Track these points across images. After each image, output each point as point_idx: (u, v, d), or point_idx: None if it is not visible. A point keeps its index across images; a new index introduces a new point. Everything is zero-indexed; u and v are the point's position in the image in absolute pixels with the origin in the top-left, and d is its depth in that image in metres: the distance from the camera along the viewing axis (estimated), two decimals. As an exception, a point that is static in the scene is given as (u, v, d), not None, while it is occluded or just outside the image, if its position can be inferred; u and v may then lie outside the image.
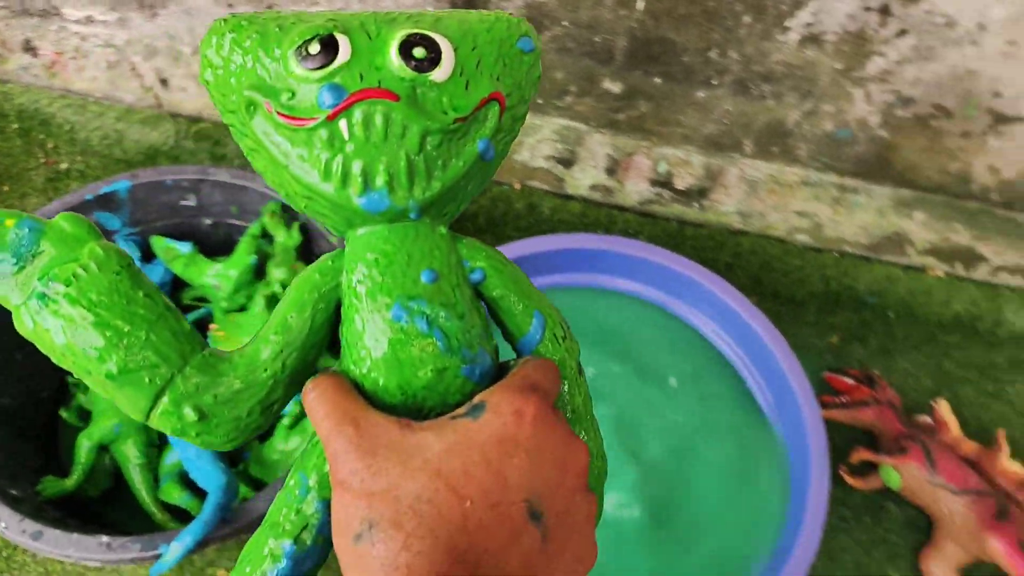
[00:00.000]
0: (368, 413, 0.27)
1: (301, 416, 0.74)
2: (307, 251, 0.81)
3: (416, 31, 0.27)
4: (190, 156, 0.94)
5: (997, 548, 0.74)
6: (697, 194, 0.89)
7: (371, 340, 0.28)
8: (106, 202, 0.78)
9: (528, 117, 0.86)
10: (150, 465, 0.73)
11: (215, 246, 0.83)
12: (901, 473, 0.81)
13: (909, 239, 0.90)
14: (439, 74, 0.27)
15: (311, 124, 0.27)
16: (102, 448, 0.73)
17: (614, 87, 0.82)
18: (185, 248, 0.79)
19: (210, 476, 0.67)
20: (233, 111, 0.28)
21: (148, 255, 0.82)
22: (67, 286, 0.26)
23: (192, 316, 0.81)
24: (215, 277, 0.79)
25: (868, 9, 0.71)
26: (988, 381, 0.92)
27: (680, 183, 0.88)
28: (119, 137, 0.95)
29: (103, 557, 0.62)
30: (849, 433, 0.86)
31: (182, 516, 0.72)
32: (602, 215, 0.94)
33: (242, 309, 0.79)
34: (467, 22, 0.29)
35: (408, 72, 0.27)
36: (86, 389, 0.76)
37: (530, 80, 0.30)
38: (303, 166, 0.27)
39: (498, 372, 0.31)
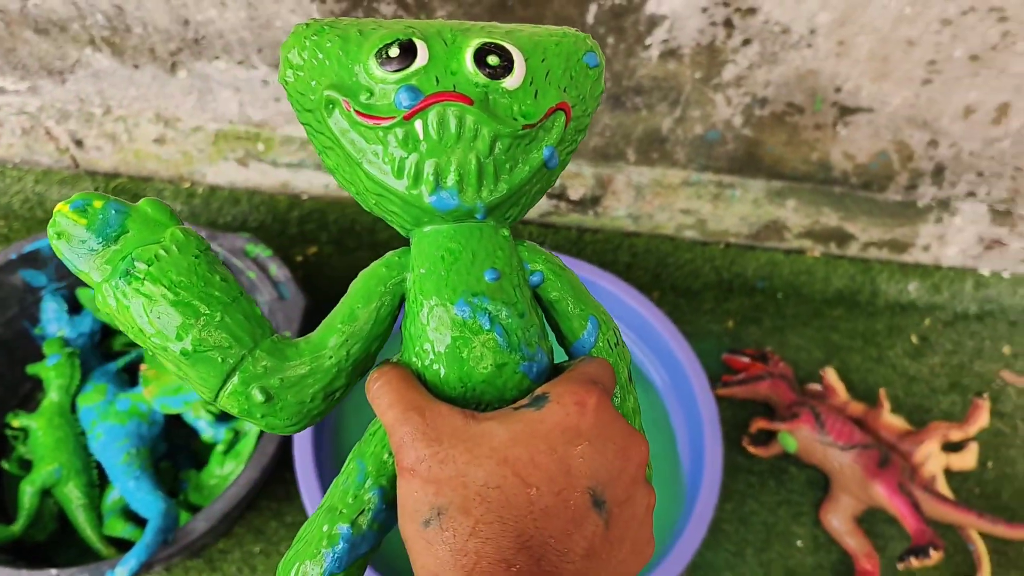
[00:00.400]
0: (432, 402, 0.28)
1: (234, 443, 0.79)
2: (228, 288, 0.86)
3: (490, 40, 0.29)
4: (111, 210, 0.99)
5: (880, 493, 0.82)
6: (591, 202, 0.97)
7: (435, 333, 0.29)
8: (31, 260, 0.82)
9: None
10: (92, 504, 0.77)
11: (141, 292, 0.87)
12: (795, 437, 0.88)
13: (785, 225, 0.98)
14: (511, 82, 0.29)
15: (388, 123, 0.28)
16: (45, 493, 0.77)
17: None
18: (110, 296, 0.84)
19: (150, 505, 0.71)
20: (311, 110, 0.30)
21: (76, 307, 0.86)
22: (149, 265, 0.27)
23: (123, 360, 0.85)
24: (142, 321, 0.84)
25: (714, 24, 0.79)
26: (871, 347, 1.01)
27: (574, 194, 0.96)
28: (40, 199, 0.98)
29: (53, 589, 0.65)
30: (750, 407, 0.94)
31: (129, 548, 0.76)
32: (506, 229, 1.01)
33: (171, 348, 0.84)
34: (537, 35, 0.30)
35: (482, 78, 0.28)
36: (25, 439, 0.80)
37: (593, 94, 0.32)
38: (377, 163, 0.28)
39: (552, 372, 0.31)
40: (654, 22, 0.79)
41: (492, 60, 0.28)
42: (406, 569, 0.27)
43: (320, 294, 0.96)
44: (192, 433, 0.82)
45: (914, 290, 1.02)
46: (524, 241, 0.32)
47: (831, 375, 0.95)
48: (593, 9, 0.78)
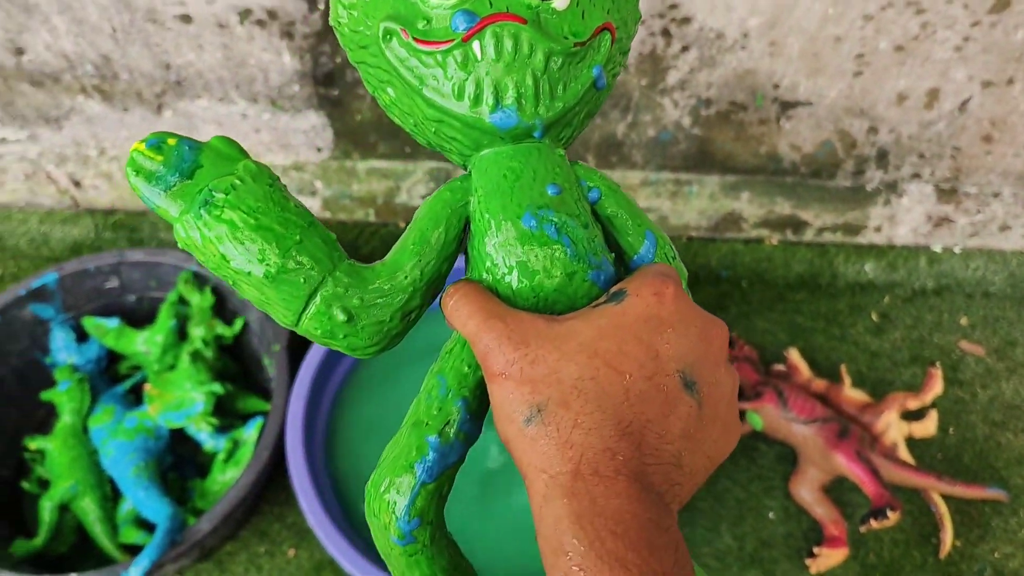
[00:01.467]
0: (511, 310, 0.28)
1: (233, 452, 0.85)
2: (220, 309, 0.92)
3: None
4: (110, 244, 1.05)
5: (841, 462, 0.88)
6: (557, 207, 1.02)
7: (504, 248, 0.30)
8: (39, 295, 0.89)
9: (400, 164, 0.99)
10: (108, 516, 0.83)
11: (142, 318, 0.94)
12: (761, 415, 0.94)
13: (742, 216, 1.04)
14: (559, 3, 0.29)
15: (446, 47, 0.29)
16: (63, 508, 0.83)
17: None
18: (112, 323, 0.90)
19: (158, 511, 0.78)
20: (366, 45, 0.31)
21: (83, 335, 0.93)
22: (227, 194, 0.28)
23: (129, 382, 0.92)
24: (144, 344, 0.90)
25: (653, 34, 0.85)
26: (834, 327, 1.06)
27: (541, 200, 1.02)
28: (44, 238, 1.06)
29: (73, 592, 0.72)
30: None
31: (141, 554, 0.82)
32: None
33: (172, 368, 0.91)
34: None
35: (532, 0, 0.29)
36: (42, 460, 0.87)
37: (634, 17, 0.33)
38: (437, 88, 0.29)
39: (617, 281, 0.31)
40: (597, 37, 0.86)
41: None
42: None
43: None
44: (196, 446, 0.89)
45: (871, 270, 1.08)
46: (578, 162, 0.33)
47: (794, 355, 1.00)
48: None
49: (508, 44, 0.28)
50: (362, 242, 1.07)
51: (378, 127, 0.96)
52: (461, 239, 0.32)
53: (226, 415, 0.90)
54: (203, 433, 0.85)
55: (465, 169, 0.32)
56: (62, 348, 0.91)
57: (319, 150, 1.00)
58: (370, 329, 0.30)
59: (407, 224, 0.34)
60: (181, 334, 0.91)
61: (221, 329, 0.90)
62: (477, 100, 0.29)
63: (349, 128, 0.97)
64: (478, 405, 0.31)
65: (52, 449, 0.85)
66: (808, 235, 1.07)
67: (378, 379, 0.91)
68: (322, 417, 0.88)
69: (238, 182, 0.28)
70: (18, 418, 0.91)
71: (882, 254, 1.08)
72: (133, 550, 0.82)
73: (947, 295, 1.09)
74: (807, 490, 0.92)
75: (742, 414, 0.97)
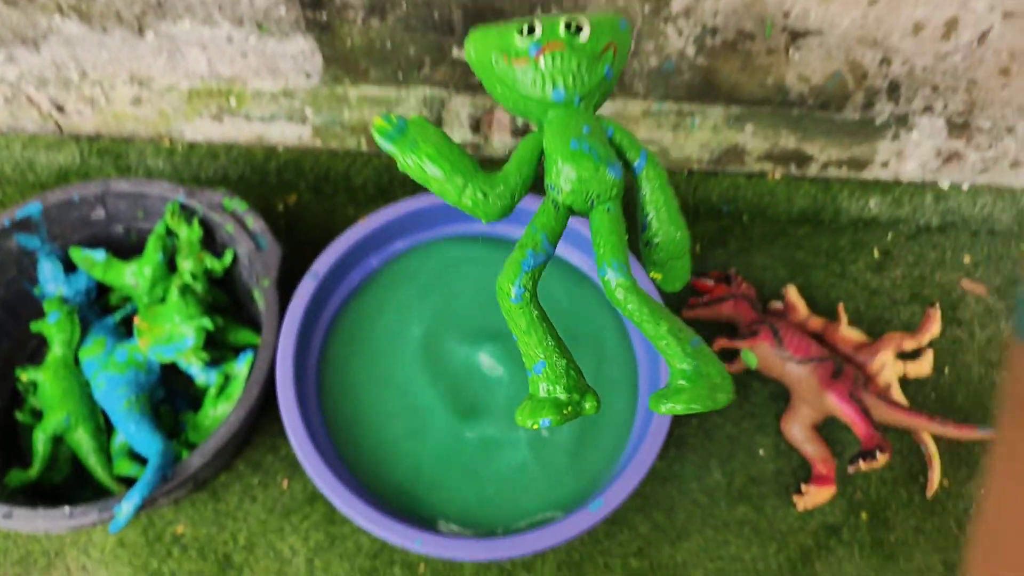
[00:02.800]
0: None
1: (225, 386, 0.85)
2: (209, 242, 0.91)
3: (571, 17, 0.52)
4: (97, 171, 1.03)
5: (833, 401, 0.87)
6: (555, 138, 0.99)
7: (562, 157, 0.49)
8: (24, 226, 0.88)
9: (393, 90, 0.96)
10: (102, 448, 0.84)
11: (130, 249, 0.93)
12: (756, 353, 0.93)
13: (745, 150, 1.01)
14: (583, 36, 0.51)
15: (526, 64, 0.51)
16: (57, 440, 0.83)
17: (462, 54, 0.92)
18: (99, 256, 0.89)
19: (150, 445, 0.78)
20: (486, 66, 0.52)
21: (71, 266, 0.92)
22: (422, 140, 0.49)
23: (119, 314, 0.91)
24: (132, 276, 0.89)
25: (657, -43, 0.81)
26: (835, 263, 1.04)
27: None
28: (29, 164, 1.03)
29: (68, 524, 0.73)
30: (715, 328, 0.99)
31: (136, 485, 0.83)
32: (476, 169, 1.04)
33: (162, 301, 0.90)
34: (595, 15, 0.54)
35: (568, 36, 0.51)
36: (35, 391, 0.87)
37: (626, 41, 0.55)
38: (525, 84, 0.51)
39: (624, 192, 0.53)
40: (599, -41, 0.81)
41: (572, 26, 0.51)
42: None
43: (304, 236, 1.01)
44: (188, 379, 0.89)
45: (875, 206, 1.05)
46: (602, 115, 0.54)
47: (792, 292, 0.99)
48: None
49: (557, 59, 0.51)
50: (354, 173, 1.05)
51: (368, 52, 0.93)
52: (540, 160, 0.52)
53: (218, 347, 0.89)
54: (194, 368, 0.85)
55: (539, 127, 0.53)
56: (50, 279, 0.89)
57: (308, 76, 0.96)
58: (496, 204, 0.50)
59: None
60: (171, 267, 0.90)
61: (210, 262, 0.88)
62: (544, 88, 0.51)
63: (339, 53, 0.93)
64: (552, 236, 0.50)
65: (44, 381, 0.84)
66: (812, 169, 1.04)
67: (368, 315, 0.90)
68: (313, 351, 0.87)
69: (423, 131, 0.49)
70: (9, 349, 0.91)
71: (887, 190, 1.05)
72: (129, 482, 0.83)
73: (952, 232, 1.06)
74: (798, 428, 0.92)
75: (738, 353, 0.96)
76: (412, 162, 0.50)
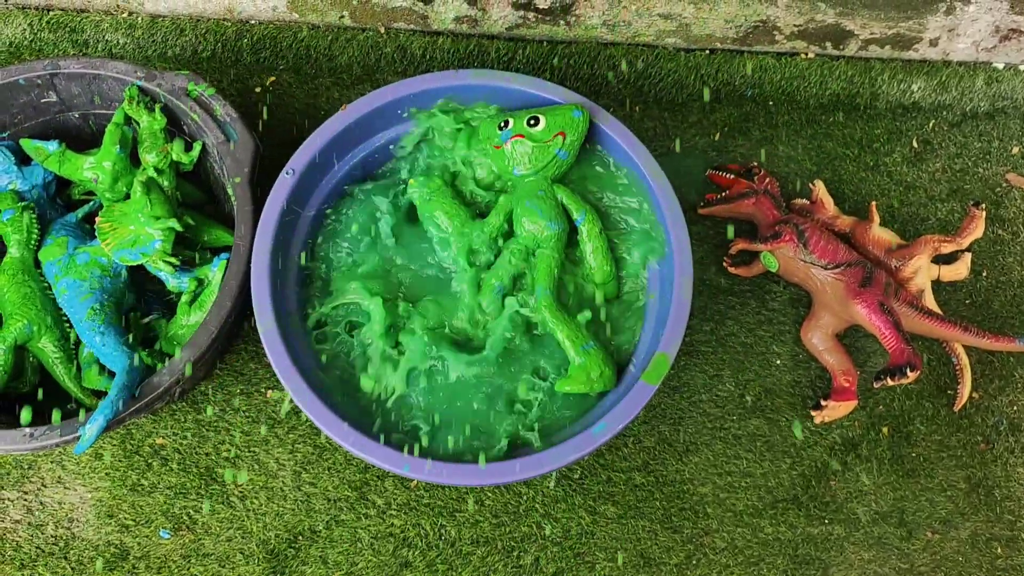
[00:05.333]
0: None
1: (198, 293, 0.78)
2: (176, 131, 0.81)
3: (533, 114, 0.77)
4: (51, 48, 0.93)
5: (860, 312, 0.80)
6: (561, 11, 0.88)
7: (521, 212, 0.76)
8: (-33, 112, 0.78)
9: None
10: (69, 358, 0.78)
11: (91, 140, 0.84)
12: (777, 256, 0.85)
13: (776, 26, 0.89)
14: (539, 127, 0.76)
15: (501, 148, 0.77)
16: (21, 348, 0.77)
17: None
18: (52, 147, 0.80)
19: (115, 359, 0.72)
20: (489, 148, 0.79)
21: (25, 158, 0.83)
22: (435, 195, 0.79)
23: (82, 211, 0.83)
24: (91, 171, 0.81)
25: None
26: (868, 155, 0.95)
27: (543, 2, 0.87)
28: (-25, 39, 0.93)
29: (30, 446, 0.68)
30: (736, 228, 0.90)
31: (108, 397, 0.77)
32: (472, 47, 0.93)
33: (127, 198, 0.81)
34: (553, 107, 0.78)
35: (528, 128, 0.76)
36: (-7, 298, 0.80)
37: (579, 128, 0.77)
38: (501, 162, 0.78)
39: (566, 239, 0.80)
40: None
41: (531, 121, 0.75)
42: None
43: (287, 123, 0.92)
44: (162, 282, 0.82)
45: (918, 90, 0.94)
46: (556, 184, 0.79)
47: (819, 187, 0.90)
48: None
49: (519, 146, 0.77)
50: (337, 50, 0.94)
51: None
52: (511, 211, 0.78)
53: (193, 247, 0.82)
54: (163, 272, 0.78)
55: (507, 189, 0.81)
56: (2, 172, 0.81)
57: (279, -63, 0.84)
58: (483, 247, 0.78)
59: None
60: (136, 160, 0.81)
61: (177, 154, 0.80)
62: (509, 165, 0.78)
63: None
64: (517, 272, 0.78)
65: (1, 286, 0.78)
66: (851, 48, 0.92)
67: (359, 221, 0.82)
68: (294, 254, 0.79)
69: (438, 190, 0.80)
70: (-36, 250, 0.83)
71: (934, 71, 0.94)
72: (102, 394, 0.78)
73: (1001, 120, 0.96)
74: (819, 337, 0.85)
75: (756, 255, 0.88)
76: (427, 209, 0.79)
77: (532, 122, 0.76)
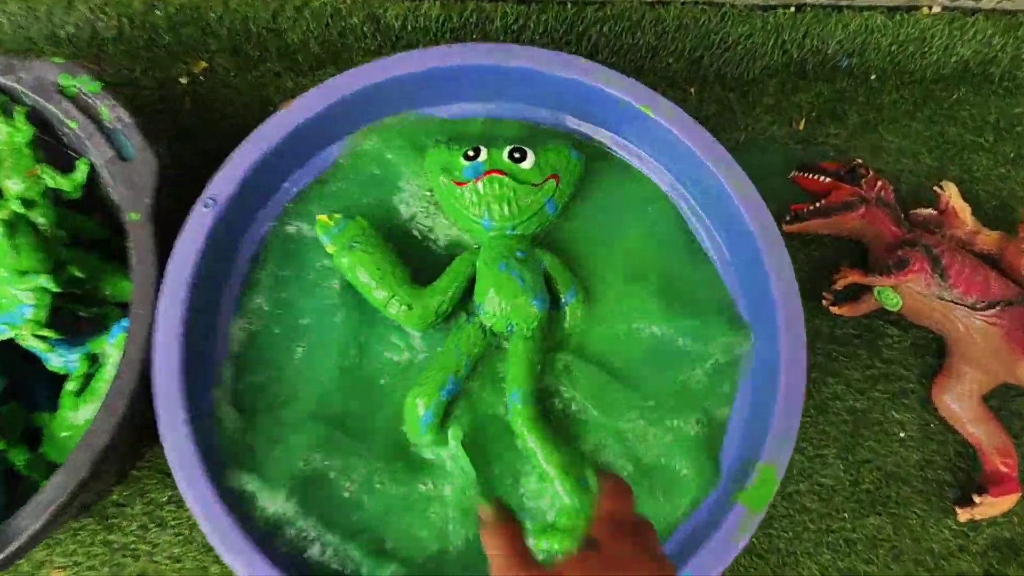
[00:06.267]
0: (527, 563, 0.35)
1: (88, 381, 0.55)
2: (49, 136, 0.57)
3: (517, 146, 0.57)
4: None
5: (1032, 373, 0.57)
6: (591, -42, 0.63)
7: (490, 280, 0.55)
8: None
9: None
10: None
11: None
12: (902, 293, 0.62)
13: (890, -31, 0.65)
14: (526, 164, 0.56)
15: (467, 186, 0.56)
16: None
17: None
18: None
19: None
20: (435, 184, 0.58)
21: None
22: (359, 244, 0.55)
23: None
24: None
25: None
26: (1007, 143, 0.70)
27: (565, -54, 0.63)
28: None
29: None
30: (833, 248, 0.67)
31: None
32: (469, 12, 0.69)
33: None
34: (548, 144, 0.59)
35: (511, 164, 0.56)
36: None
37: (574, 171, 0.59)
38: (463, 204, 0.56)
39: (547, 323, 0.58)
40: None
41: (517, 155, 0.56)
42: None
43: (225, 124, 0.68)
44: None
45: (1080, 53, 0.70)
46: (538, 247, 0.59)
47: (952, 192, 0.66)
48: None
49: (495, 185, 0.55)
50: (286, 24, 0.69)
51: None
52: (472, 277, 0.57)
53: (92, 304, 0.59)
54: (40, 348, 0.55)
55: (477, 245, 0.59)
56: None
57: None
58: (420, 316, 0.55)
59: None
60: (-5, 189, 0.57)
61: (53, 179, 0.56)
62: (479, 214, 0.56)
63: None
64: (472, 360, 0.56)
65: None
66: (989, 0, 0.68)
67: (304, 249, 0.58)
68: (222, 328, 0.56)
69: (363, 236, 0.55)
70: None
71: (1102, 27, 0.69)
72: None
73: None
74: (960, 400, 0.62)
75: (867, 288, 0.64)
76: (346, 262, 0.55)
77: (517, 155, 0.56)
